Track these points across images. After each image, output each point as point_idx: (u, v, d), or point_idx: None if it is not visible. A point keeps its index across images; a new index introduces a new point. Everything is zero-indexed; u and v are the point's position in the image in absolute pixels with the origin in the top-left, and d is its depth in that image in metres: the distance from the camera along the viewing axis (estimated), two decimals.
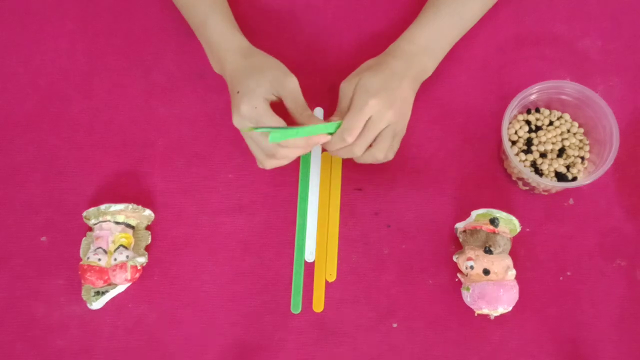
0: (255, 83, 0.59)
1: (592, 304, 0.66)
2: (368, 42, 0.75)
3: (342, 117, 0.60)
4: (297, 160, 0.71)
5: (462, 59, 0.74)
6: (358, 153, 0.61)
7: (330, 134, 0.60)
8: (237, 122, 0.60)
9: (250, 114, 0.59)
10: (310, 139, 0.59)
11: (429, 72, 0.67)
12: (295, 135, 0.58)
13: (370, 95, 0.59)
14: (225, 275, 0.68)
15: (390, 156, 0.64)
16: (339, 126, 0.60)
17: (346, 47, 0.75)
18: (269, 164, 0.61)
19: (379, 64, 0.63)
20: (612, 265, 0.67)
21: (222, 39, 0.64)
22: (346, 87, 0.62)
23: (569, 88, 0.67)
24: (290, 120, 0.61)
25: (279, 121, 0.58)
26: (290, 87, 0.60)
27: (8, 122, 0.73)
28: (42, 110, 0.73)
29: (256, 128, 0.57)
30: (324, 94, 0.73)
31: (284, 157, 0.61)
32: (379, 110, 0.59)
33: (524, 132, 0.68)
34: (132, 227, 0.67)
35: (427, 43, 0.66)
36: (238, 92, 0.60)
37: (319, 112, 0.73)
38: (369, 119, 0.59)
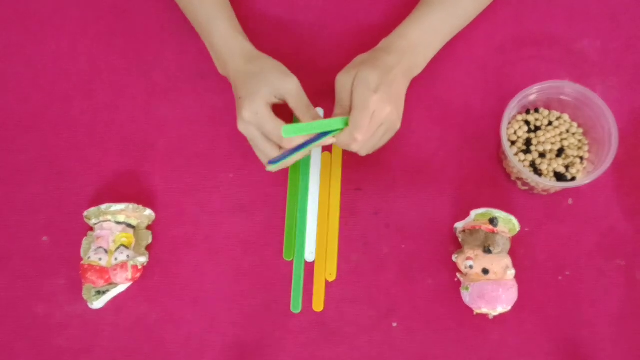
0: (256, 87, 0.60)
1: (591, 304, 0.66)
2: (368, 42, 0.75)
3: (344, 110, 0.60)
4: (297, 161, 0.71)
5: (461, 59, 0.74)
6: (362, 150, 0.62)
7: (336, 130, 0.60)
8: (241, 127, 0.61)
9: (252, 119, 0.59)
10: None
11: (419, 69, 0.67)
12: (307, 130, 0.58)
13: (372, 91, 0.59)
14: (225, 274, 0.68)
15: (377, 147, 0.64)
16: (346, 121, 0.60)
17: (346, 46, 0.75)
18: (275, 167, 0.62)
19: (373, 58, 0.63)
20: (611, 265, 0.67)
21: (225, 43, 0.65)
22: (343, 80, 0.61)
23: (568, 88, 0.67)
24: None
25: (281, 125, 0.59)
26: (292, 88, 0.61)
27: (9, 122, 0.73)
28: (43, 110, 0.73)
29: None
30: (324, 94, 0.73)
31: (287, 162, 0.61)
32: (380, 106, 0.59)
33: (523, 132, 0.69)
34: (133, 227, 0.67)
35: (419, 40, 0.66)
36: (240, 97, 0.61)
37: (319, 112, 0.73)
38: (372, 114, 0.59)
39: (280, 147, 0.60)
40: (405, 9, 0.75)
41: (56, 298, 0.67)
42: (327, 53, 0.75)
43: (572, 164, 0.68)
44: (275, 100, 0.61)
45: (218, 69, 0.68)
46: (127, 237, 0.65)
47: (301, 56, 0.75)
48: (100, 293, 0.64)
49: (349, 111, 0.60)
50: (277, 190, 0.70)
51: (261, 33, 0.75)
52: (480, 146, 0.71)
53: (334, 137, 0.61)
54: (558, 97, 0.68)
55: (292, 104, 0.61)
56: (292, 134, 0.57)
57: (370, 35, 0.76)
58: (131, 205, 0.66)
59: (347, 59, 0.74)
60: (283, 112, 0.63)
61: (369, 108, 0.58)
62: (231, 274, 0.68)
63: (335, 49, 0.75)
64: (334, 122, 0.59)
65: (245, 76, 0.62)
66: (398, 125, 0.63)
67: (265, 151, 0.61)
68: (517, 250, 0.67)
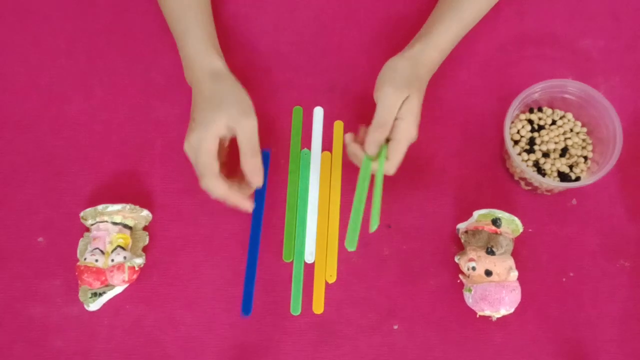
0: (212, 117, 0.59)
1: (595, 305, 0.66)
2: (368, 42, 0.75)
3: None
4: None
5: (463, 58, 0.74)
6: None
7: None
8: (186, 148, 0.60)
9: (194, 145, 0.59)
10: (235, 199, 0.61)
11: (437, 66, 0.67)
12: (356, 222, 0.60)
13: (410, 115, 0.61)
14: (224, 276, 0.67)
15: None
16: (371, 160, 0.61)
17: (346, 46, 0.75)
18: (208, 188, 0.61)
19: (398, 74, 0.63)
20: (615, 265, 0.67)
21: (197, 57, 0.64)
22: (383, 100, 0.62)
23: (572, 87, 0.67)
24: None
25: (216, 168, 0.59)
26: (246, 129, 0.59)
27: (7, 122, 0.72)
28: (41, 110, 0.73)
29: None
30: (324, 93, 0.73)
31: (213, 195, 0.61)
32: (413, 127, 0.61)
33: (526, 132, 0.68)
34: (130, 228, 0.66)
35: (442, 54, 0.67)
36: (194, 119, 0.60)
37: (319, 111, 0.73)
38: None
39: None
40: (405, 7, 0.75)
41: (52, 299, 0.66)
42: (327, 53, 0.75)
43: (576, 164, 0.67)
44: (226, 134, 0.60)
45: (187, 79, 0.67)
46: (124, 238, 0.65)
47: (301, 56, 0.75)
48: (96, 295, 0.63)
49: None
50: (277, 191, 0.70)
51: (261, 33, 0.75)
52: (483, 146, 0.71)
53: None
54: (562, 95, 0.68)
55: (241, 145, 0.59)
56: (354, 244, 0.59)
57: (371, 35, 0.76)
58: (128, 206, 0.65)
59: (347, 58, 0.74)
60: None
61: (408, 129, 0.61)
62: (229, 276, 0.67)
63: (335, 48, 0.75)
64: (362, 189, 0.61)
65: (205, 99, 0.61)
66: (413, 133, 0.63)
67: (200, 173, 0.60)
68: (520, 251, 0.67)
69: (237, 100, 0.61)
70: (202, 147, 0.58)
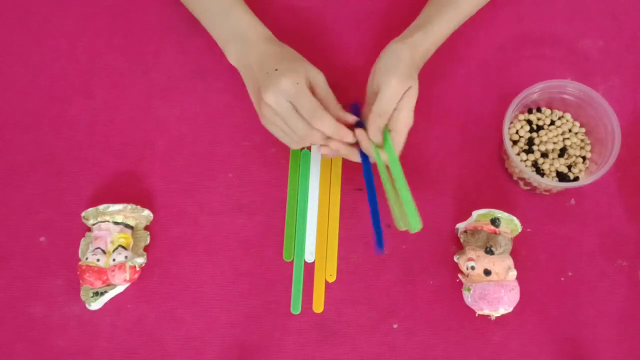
0: (295, 64, 0.60)
1: (593, 305, 0.66)
2: (368, 42, 0.75)
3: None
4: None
5: (462, 58, 0.74)
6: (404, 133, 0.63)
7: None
8: (273, 99, 0.58)
9: (290, 89, 0.58)
10: (342, 132, 0.61)
11: (429, 55, 0.67)
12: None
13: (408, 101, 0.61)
14: (224, 275, 0.67)
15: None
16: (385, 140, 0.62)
17: (347, 46, 0.75)
18: (296, 145, 0.63)
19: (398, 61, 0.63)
20: (614, 265, 0.67)
21: (249, 29, 0.65)
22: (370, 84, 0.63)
23: (571, 87, 0.67)
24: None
25: (316, 103, 0.58)
26: (321, 78, 0.62)
27: (8, 122, 0.72)
28: (41, 110, 0.73)
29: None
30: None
31: (307, 142, 0.62)
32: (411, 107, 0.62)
33: (525, 132, 0.68)
34: (131, 228, 0.66)
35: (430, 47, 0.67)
36: (277, 69, 0.59)
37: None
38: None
39: (310, 127, 0.59)
40: (405, 6, 0.75)
41: (54, 299, 0.66)
42: (327, 52, 0.75)
43: (575, 164, 0.67)
44: (309, 84, 0.61)
45: (229, 57, 0.66)
46: (125, 237, 0.65)
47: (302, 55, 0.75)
48: (98, 294, 0.64)
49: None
50: (277, 190, 0.70)
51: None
52: (482, 146, 0.71)
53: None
54: (560, 96, 0.68)
55: (321, 93, 0.61)
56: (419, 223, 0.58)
57: (371, 34, 0.76)
58: (129, 206, 0.66)
59: (347, 58, 0.74)
60: None
61: (407, 108, 0.61)
62: (230, 275, 0.67)
63: (335, 48, 0.75)
64: (398, 173, 0.61)
65: (280, 55, 0.62)
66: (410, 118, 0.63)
67: (295, 128, 0.59)
68: (519, 250, 0.67)
69: (303, 58, 0.63)
70: (300, 88, 0.58)
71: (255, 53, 0.63)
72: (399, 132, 0.62)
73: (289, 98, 0.58)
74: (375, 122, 0.61)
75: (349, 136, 0.61)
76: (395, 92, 0.60)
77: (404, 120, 0.61)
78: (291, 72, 0.59)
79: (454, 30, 0.68)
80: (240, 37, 0.65)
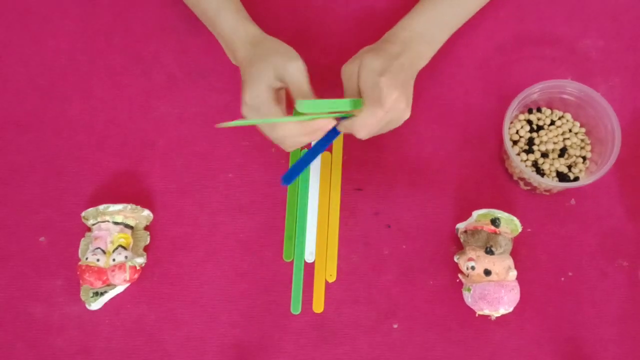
0: (258, 71, 0.59)
1: (594, 305, 0.66)
2: (368, 41, 0.75)
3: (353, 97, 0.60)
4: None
5: (462, 58, 0.74)
6: (364, 134, 0.60)
7: (344, 116, 0.59)
8: (244, 111, 0.59)
9: (252, 102, 0.58)
10: (314, 124, 0.57)
11: (425, 60, 0.66)
12: (321, 107, 0.57)
13: (377, 74, 0.58)
14: (224, 275, 0.67)
15: (377, 134, 0.62)
16: (356, 102, 0.59)
17: (346, 46, 0.75)
18: (290, 148, 0.61)
19: (377, 48, 0.62)
20: (614, 265, 0.67)
21: (234, 32, 0.64)
22: (349, 69, 0.61)
23: (571, 87, 0.67)
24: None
25: (278, 111, 0.58)
26: (293, 72, 0.58)
27: (7, 122, 0.72)
28: (41, 109, 0.73)
29: (257, 121, 0.58)
30: (324, 94, 0.73)
31: (290, 146, 0.60)
32: (386, 91, 0.58)
33: (525, 132, 0.68)
34: (131, 228, 0.66)
35: (423, 30, 0.65)
36: (244, 81, 0.60)
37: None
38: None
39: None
40: (411, 6, 0.75)
41: (54, 299, 0.66)
42: (328, 52, 0.75)
43: (575, 164, 0.67)
44: (279, 85, 0.59)
45: (230, 58, 0.67)
46: (125, 237, 0.65)
47: (301, 56, 0.75)
48: (97, 294, 0.64)
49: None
50: (277, 190, 0.70)
51: (263, 19, 0.74)
52: (482, 146, 0.71)
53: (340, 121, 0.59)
54: (560, 96, 0.68)
55: (292, 88, 0.59)
56: (307, 110, 0.55)
57: (370, 34, 0.76)
58: (129, 206, 0.66)
59: (348, 58, 0.74)
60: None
61: (379, 86, 0.57)
62: (230, 275, 0.67)
63: (336, 48, 0.75)
64: (346, 103, 0.58)
65: (250, 60, 0.61)
66: (407, 115, 0.61)
67: (270, 136, 0.59)
68: (519, 251, 0.67)
69: (280, 52, 0.60)
70: (260, 100, 0.58)
71: (239, 59, 0.63)
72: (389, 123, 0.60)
73: (254, 110, 0.58)
74: (366, 120, 0.58)
75: (316, 134, 0.59)
76: (393, 103, 0.58)
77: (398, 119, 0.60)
78: (250, 85, 0.58)
79: (439, 17, 0.67)
80: (228, 42, 0.65)
